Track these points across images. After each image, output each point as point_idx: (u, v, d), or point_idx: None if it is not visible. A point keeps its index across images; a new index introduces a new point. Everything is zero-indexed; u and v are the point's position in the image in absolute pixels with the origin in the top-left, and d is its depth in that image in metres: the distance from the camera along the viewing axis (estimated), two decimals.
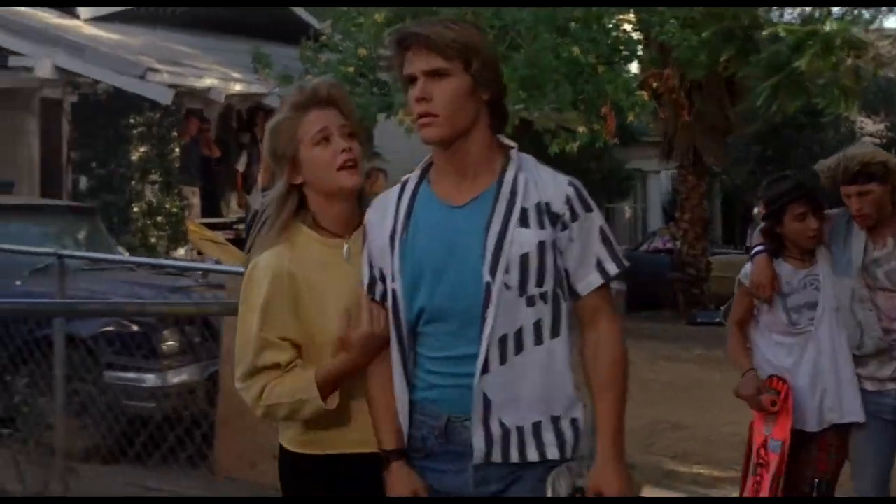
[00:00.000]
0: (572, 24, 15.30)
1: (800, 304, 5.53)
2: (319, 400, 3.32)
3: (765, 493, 5.53)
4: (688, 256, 20.65)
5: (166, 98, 15.04)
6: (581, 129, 15.68)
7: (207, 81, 15.91)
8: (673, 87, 18.15)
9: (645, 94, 16.06)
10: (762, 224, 5.68)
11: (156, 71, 14.81)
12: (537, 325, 3.20)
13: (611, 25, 15.88)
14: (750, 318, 5.70)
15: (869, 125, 30.73)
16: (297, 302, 3.34)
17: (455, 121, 3.19)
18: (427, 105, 3.18)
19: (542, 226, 3.19)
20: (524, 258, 3.16)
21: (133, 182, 15.58)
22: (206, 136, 17.65)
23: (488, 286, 3.15)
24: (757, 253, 5.60)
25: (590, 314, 3.28)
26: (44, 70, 14.99)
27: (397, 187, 3.36)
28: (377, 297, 3.35)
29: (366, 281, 3.37)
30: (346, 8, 16.32)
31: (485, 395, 3.18)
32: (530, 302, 3.19)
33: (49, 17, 16.66)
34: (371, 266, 3.36)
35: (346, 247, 3.42)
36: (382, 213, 3.34)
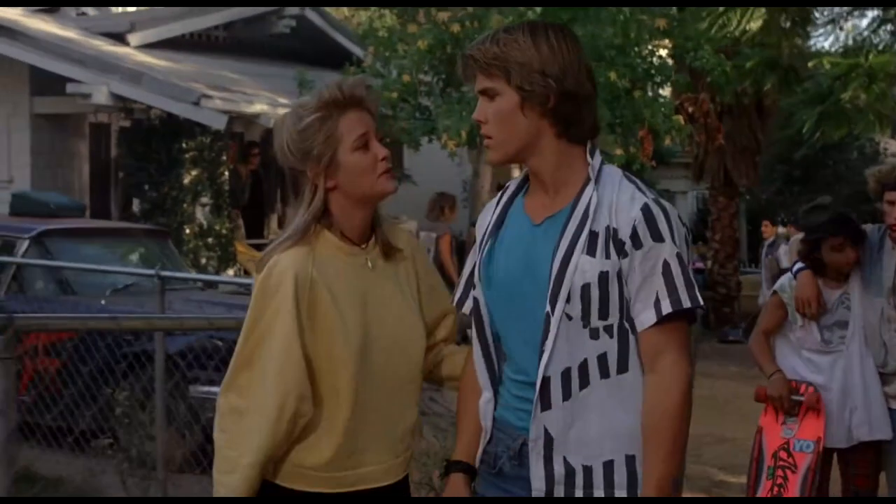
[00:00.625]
0: (611, 50, 15.72)
1: (831, 323, 5.66)
2: (228, 486, 3.12)
3: (792, 494, 5.63)
4: (718, 276, 20.98)
5: (220, 123, 15.42)
6: (618, 151, 16.10)
7: (257, 107, 16.28)
8: (708, 110, 18.56)
9: (681, 118, 16.52)
10: (799, 246, 5.86)
11: (209, 97, 15.20)
12: (602, 359, 2.96)
13: (647, 51, 16.31)
14: (778, 330, 5.82)
15: (893, 146, 31.04)
16: (315, 309, 3.12)
17: (508, 141, 3.03)
18: (483, 127, 3.05)
19: (607, 254, 2.94)
20: (586, 288, 2.93)
21: (185, 205, 16.01)
22: (243, 163, 18.05)
23: (547, 316, 2.94)
24: (800, 269, 5.71)
25: (649, 354, 2.97)
26: (100, 97, 15.40)
27: (501, 191, 3.25)
28: (466, 311, 3.26)
29: (458, 294, 3.30)
30: (386, 35, 16.78)
31: (546, 431, 2.98)
32: (594, 334, 2.96)
33: (101, 44, 17.10)
34: (466, 276, 3.27)
35: (366, 258, 3.25)
36: (484, 216, 3.22)
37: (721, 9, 10.01)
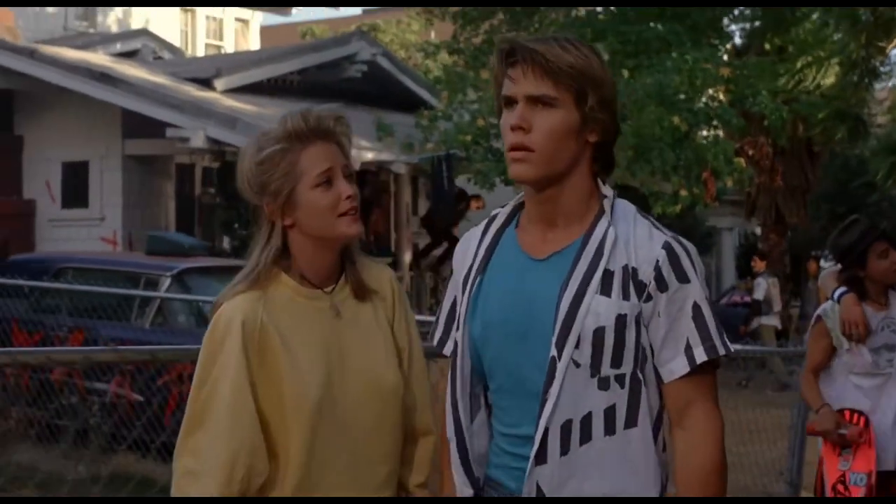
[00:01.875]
0: (680, 95, 16.64)
1: (879, 346, 5.60)
2: None
3: None
4: None
5: None
6: (682, 192, 17.02)
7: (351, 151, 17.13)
8: (767, 153, 19.47)
9: (742, 161, 17.43)
10: (836, 271, 5.79)
11: None
12: (609, 412, 2.63)
13: (708, 97, 17.23)
14: (826, 362, 5.72)
15: None
16: (265, 356, 2.83)
17: (552, 161, 2.65)
18: (522, 136, 2.64)
19: (625, 295, 2.62)
20: (599, 332, 2.61)
21: None
22: None
23: (553, 361, 2.62)
24: (843, 293, 5.64)
25: (677, 406, 2.67)
26: (197, 140, 16.31)
27: (484, 222, 2.91)
28: (448, 353, 2.93)
29: (438, 334, 2.99)
30: (458, 81, 17.72)
31: (538, 487, 2.66)
32: (603, 384, 2.63)
33: (191, 89, 18.07)
34: (447, 312, 2.96)
35: (330, 302, 2.94)
36: (466, 248, 2.90)
37: (799, 65, 10.95)
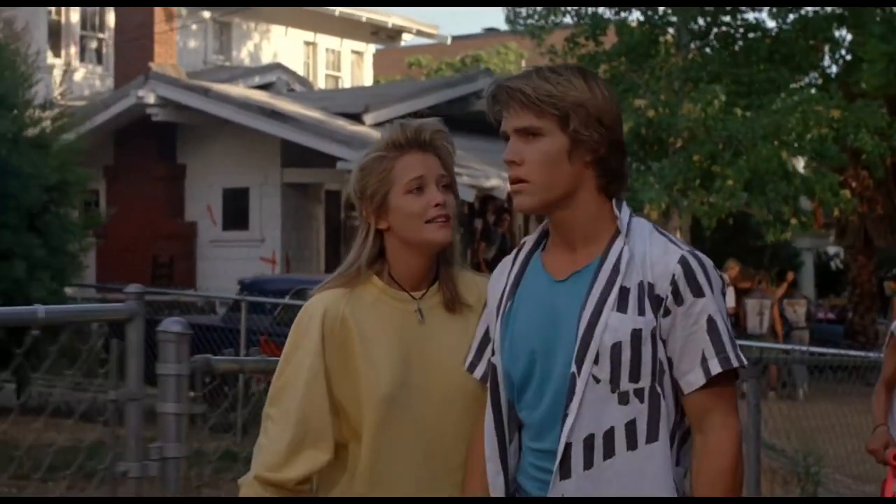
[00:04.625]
0: (788, 136, 18.45)
1: None
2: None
3: None
4: (858, 326, 23.68)
5: (469, 197, 17.96)
6: (793, 220, 18.86)
7: (493, 181, 18.91)
8: (868, 185, 21.24)
9: (847, 192, 19.26)
10: None
11: (458, 174, 17.80)
12: (630, 427, 2.72)
13: (816, 134, 18.99)
14: None
15: None
16: (343, 348, 2.97)
17: (549, 188, 2.76)
18: (517, 169, 2.77)
19: (641, 311, 2.70)
20: (616, 348, 2.69)
21: None
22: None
23: (573, 377, 2.71)
24: None
25: (697, 416, 2.75)
26: None
27: (515, 251, 2.99)
28: (478, 377, 3.01)
29: (469, 357, 3.03)
30: None
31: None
32: (623, 399, 2.71)
33: (344, 123, 19.99)
34: (480, 339, 3.02)
35: (416, 306, 3.04)
36: (498, 277, 2.97)
37: None
